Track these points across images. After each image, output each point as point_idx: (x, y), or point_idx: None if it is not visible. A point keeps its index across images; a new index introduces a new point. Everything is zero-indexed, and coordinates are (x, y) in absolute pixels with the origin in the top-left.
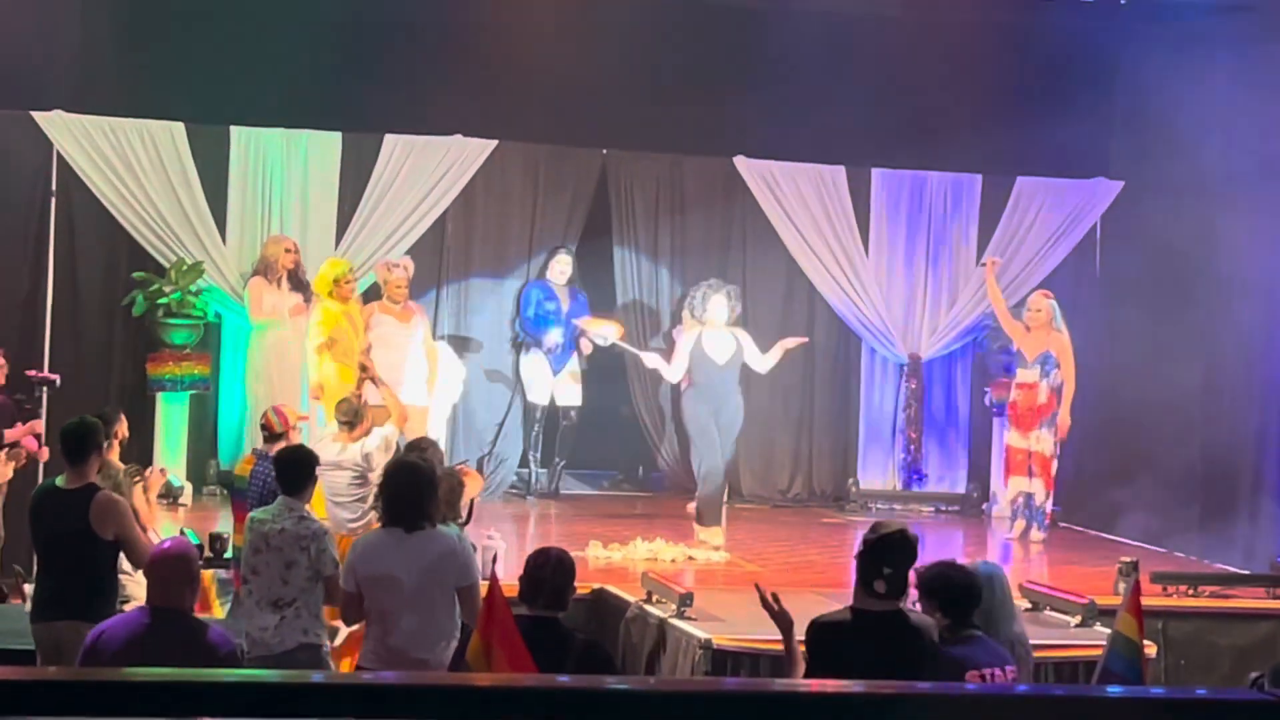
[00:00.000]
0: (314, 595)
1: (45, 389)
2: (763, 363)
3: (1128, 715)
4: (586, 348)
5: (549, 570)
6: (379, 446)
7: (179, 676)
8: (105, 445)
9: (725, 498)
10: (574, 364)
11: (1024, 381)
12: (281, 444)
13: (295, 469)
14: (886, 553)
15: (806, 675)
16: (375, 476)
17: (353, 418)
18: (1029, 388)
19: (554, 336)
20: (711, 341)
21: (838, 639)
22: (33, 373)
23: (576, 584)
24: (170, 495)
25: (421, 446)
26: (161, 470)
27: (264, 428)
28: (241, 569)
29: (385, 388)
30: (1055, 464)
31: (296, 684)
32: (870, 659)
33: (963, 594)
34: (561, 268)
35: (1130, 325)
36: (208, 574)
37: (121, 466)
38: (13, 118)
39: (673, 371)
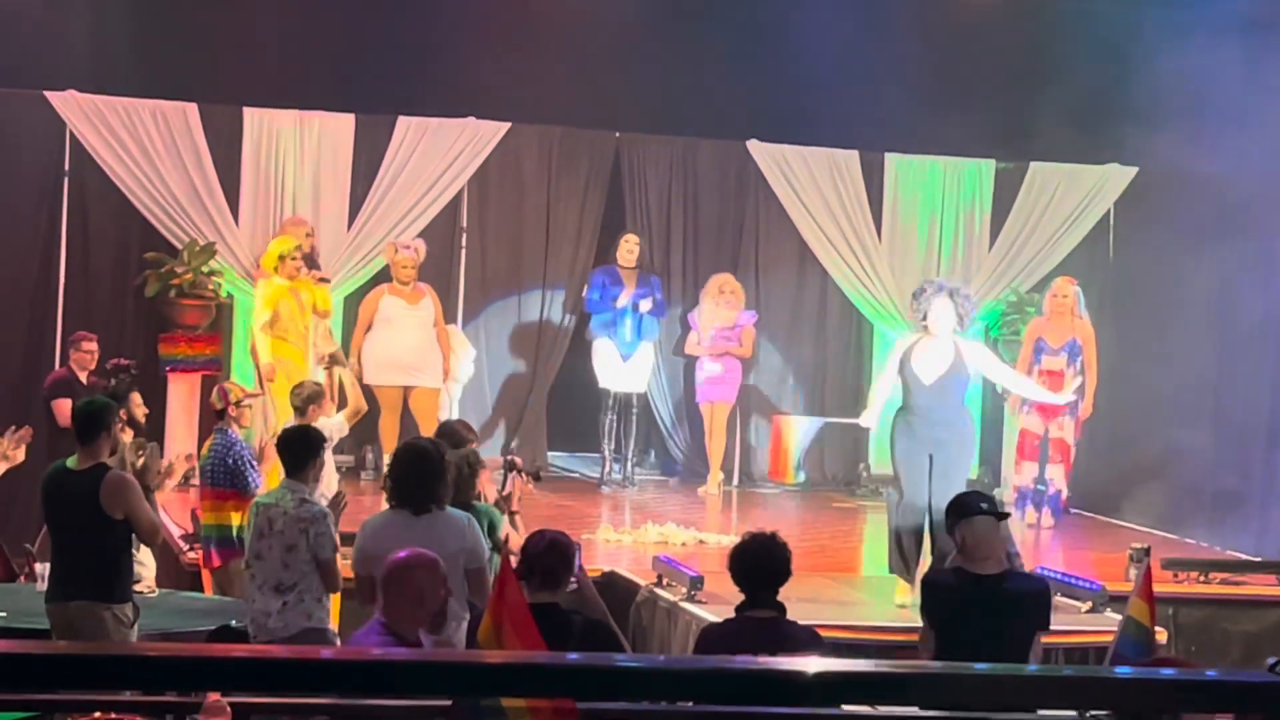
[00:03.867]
0: (317, 579)
1: (124, 375)
2: (1017, 381)
3: (1138, 695)
4: (646, 306)
5: (543, 550)
6: None
7: (192, 652)
8: (117, 425)
9: (917, 553)
10: (646, 351)
11: (1051, 369)
12: (226, 420)
13: (297, 448)
14: (963, 507)
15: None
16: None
17: (301, 404)
18: (1056, 375)
19: (632, 300)
20: (923, 354)
21: (948, 599)
22: (113, 361)
23: (589, 567)
24: (183, 477)
25: (453, 429)
26: (188, 457)
27: (211, 406)
28: (247, 554)
29: (350, 375)
30: (1074, 451)
31: (308, 660)
32: (980, 619)
33: (755, 570)
34: (629, 248)
35: (1142, 310)
36: None
37: (128, 442)
38: (26, 97)
39: (866, 415)
